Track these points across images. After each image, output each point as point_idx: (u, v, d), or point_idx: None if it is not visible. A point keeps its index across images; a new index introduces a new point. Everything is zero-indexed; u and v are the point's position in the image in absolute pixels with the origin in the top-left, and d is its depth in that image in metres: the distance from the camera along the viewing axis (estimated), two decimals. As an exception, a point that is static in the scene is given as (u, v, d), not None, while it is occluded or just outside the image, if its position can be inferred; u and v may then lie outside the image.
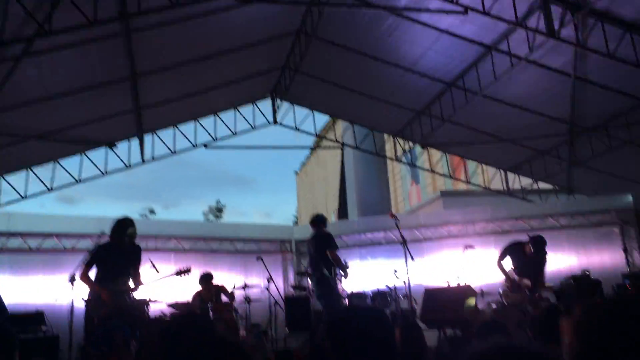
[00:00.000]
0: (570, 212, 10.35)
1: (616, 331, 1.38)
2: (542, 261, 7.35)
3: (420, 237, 10.52)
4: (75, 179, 10.55)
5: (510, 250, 7.46)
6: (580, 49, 7.53)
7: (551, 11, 7.17)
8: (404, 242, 6.60)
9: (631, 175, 10.23)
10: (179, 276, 5.97)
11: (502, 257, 7.41)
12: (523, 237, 7.53)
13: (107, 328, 3.16)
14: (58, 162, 10.33)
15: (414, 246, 8.94)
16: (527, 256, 7.26)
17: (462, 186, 15.54)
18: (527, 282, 7.09)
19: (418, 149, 12.60)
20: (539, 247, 7.14)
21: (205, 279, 8.28)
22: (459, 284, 8.06)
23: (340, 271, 7.05)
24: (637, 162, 9.83)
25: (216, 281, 8.43)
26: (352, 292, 8.24)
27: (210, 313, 7.48)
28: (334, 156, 26.59)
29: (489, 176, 13.07)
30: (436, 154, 13.20)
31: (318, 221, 7.41)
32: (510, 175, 12.65)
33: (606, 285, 8.32)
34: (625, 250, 7.35)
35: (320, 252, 7.05)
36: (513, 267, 7.33)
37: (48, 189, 10.32)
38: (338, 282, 6.92)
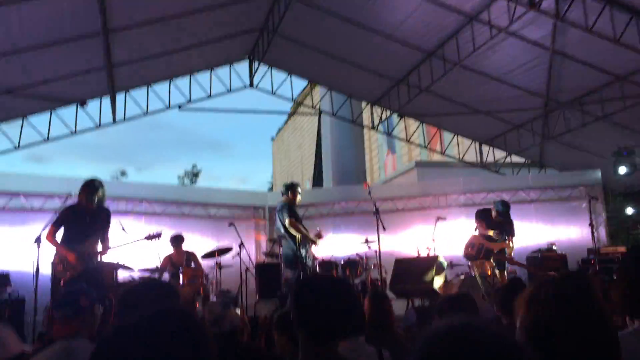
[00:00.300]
0: (540, 186, 10.50)
1: (560, 306, 1.39)
2: (510, 227, 7.52)
3: (393, 208, 10.56)
4: (43, 137, 10.26)
5: (478, 217, 7.64)
6: (560, 22, 7.49)
7: (532, -18, 7.10)
8: (376, 212, 6.61)
9: (601, 152, 10.38)
10: (148, 240, 5.88)
11: (480, 225, 7.60)
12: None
13: (71, 290, 3.08)
14: (26, 119, 10.02)
15: (387, 216, 8.98)
16: (494, 221, 7.46)
17: (437, 157, 15.61)
18: (497, 236, 7.37)
19: (395, 118, 12.56)
20: (504, 208, 7.47)
21: (176, 240, 8.20)
22: (428, 255, 8.15)
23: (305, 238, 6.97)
24: (608, 139, 9.96)
25: (188, 246, 8.38)
26: (322, 259, 8.27)
27: (181, 277, 7.44)
28: (311, 122, 26.44)
29: (464, 148, 13.14)
30: (413, 123, 13.19)
31: (284, 190, 7.36)
32: (485, 148, 12.74)
33: (572, 260, 8.52)
34: (591, 226, 7.50)
35: (281, 221, 7.05)
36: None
37: (15, 147, 10.04)
38: (304, 249, 6.86)
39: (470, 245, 7.52)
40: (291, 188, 7.24)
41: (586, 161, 10.85)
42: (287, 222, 6.91)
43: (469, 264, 8.26)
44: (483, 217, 7.72)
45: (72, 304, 2.83)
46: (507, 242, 7.43)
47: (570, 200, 10.11)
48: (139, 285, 2.64)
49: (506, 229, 7.57)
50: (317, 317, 1.89)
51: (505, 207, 7.59)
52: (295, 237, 6.86)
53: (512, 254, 7.57)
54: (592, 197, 8.09)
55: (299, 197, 7.25)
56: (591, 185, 10.14)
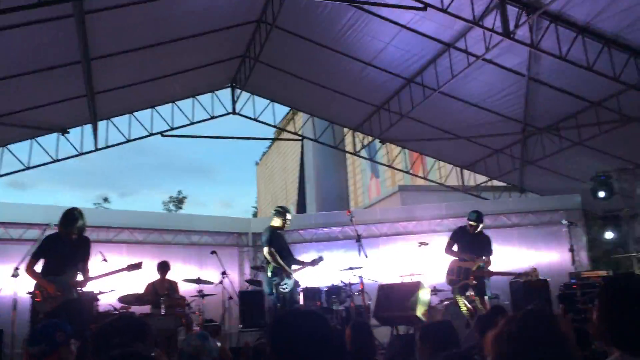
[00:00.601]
0: (521, 211, 10.61)
1: (522, 343, 1.41)
2: (485, 241, 7.53)
3: (376, 233, 10.59)
4: (24, 164, 10.17)
5: (454, 235, 7.65)
6: (535, 49, 7.69)
7: (507, 11, 7.30)
8: (358, 240, 6.63)
9: (580, 176, 10.56)
10: (129, 271, 5.81)
11: (449, 244, 7.59)
12: (490, 233, 7.96)
13: (45, 325, 3.04)
14: (6, 148, 9.94)
15: (370, 241, 9.01)
16: (470, 234, 7.53)
17: (420, 181, 15.74)
18: (469, 257, 7.36)
19: (377, 142, 12.68)
20: (475, 215, 7.54)
21: (163, 267, 8.16)
22: (411, 280, 8.16)
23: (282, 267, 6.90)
24: (586, 163, 10.14)
25: (171, 274, 8.29)
26: (306, 287, 8.23)
27: (162, 307, 7.35)
28: (295, 147, 26.53)
29: (446, 172, 13.27)
30: (395, 148, 13.32)
31: (273, 213, 7.34)
32: (467, 173, 12.88)
33: (554, 284, 8.59)
34: (571, 250, 7.58)
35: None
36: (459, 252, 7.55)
37: (-6, 174, 9.93)
38: (279, 277, 6.80)
39: (450, 272, 7.52)
40: (278, 214, 7.21)
41: (565, 185, 11.02)
42: (264, 250, 6.91)
43: (452, 289, 8.29)
44: (455, 237, 7.66)
45: (48, 339, 2.79)
46: (482, 258, 7.37)
47: (551, 225, 10.22)
48: (110, 323, 2.61)
49: (484, 243, 7.54)
50: (291, 355, 1.88)
51: (475, 214, 7.57)
52: (270, 264, 6.85)
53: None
54: (571, 222, 8.19)
55: (287, 224, 7.18)
56: (571, 209, 10.28)
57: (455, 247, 7.63)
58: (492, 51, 7.96)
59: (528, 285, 8.31)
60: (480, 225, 7.56)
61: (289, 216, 7.19)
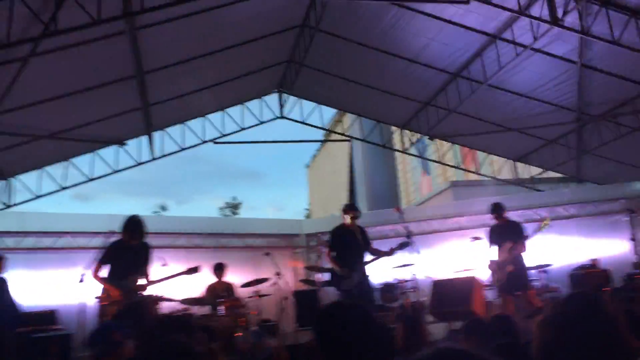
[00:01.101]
0: (579, 201, 10.28)
1: (563, 327, 1.40)
2: (512, 228, 7.35)
3: (428, 229, 10.51)
4: (87, 177, 10.70)
5: (488, 236, 7.49)
6: (585, 36, 7.47)
7: (555, -2, 7.12)
8: (408, 236, 6.62)
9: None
10: (188, 275, 6.04)
11: (490, 244, 7.44)
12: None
13: (103, 326, 3.22)
14: (70, 161, 10.48)
15: (423, 238, 8.95)
16: (499, 227, 7.39)
17: (472, 176, 15.50)
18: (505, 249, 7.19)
19: (427, 139, 12.57)
20: (492, 210, 7.46)
21: (219, 268, 8.43)
22: (466, 276, 8.07)
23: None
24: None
25: (227, 276, 8.54)
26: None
27: (220, 308, 7.57)
28: (343, 149, 26.60)
29: (499, 166, 13.02)
30: (445, 143, 13.18)
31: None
32: (520, 165, 12.60)
33: (617, 275, 8.30)
34: (633, 239, 7.29)
35: None
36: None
37: (61, 187, 10.48)
38: (338, 279, 6.82)
39: (492, 275, 7.38)
40: (342, 212, 7.15)
41: (625, 173, 10.62)
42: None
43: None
44: (489, 238, 7.50)
45: (106, 340, 2.96)
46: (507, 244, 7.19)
47: (611, 214, 9.87)
48: (157, 321, 2.74)
49: (512, 230, 7.34)
50: (335, 346, 1.92)
51: (491, 207, 7.51)
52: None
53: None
54: (633, 209, 7.87)
55: (348, 221, 7.00)
56: (632, 197, 9.88)
57: (494, 248, 7.46)
58: (540, 40, 7.79)
59: (588, 276, 8.07)
60: (503, 215, 7.42)
61: (350, 213, 7.03)
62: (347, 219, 6.99)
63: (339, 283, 6.78)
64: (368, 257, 6.85)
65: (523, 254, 7.17)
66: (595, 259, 8.79)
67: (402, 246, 6.73)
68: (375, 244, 9.77)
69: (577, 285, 8.47)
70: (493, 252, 7.37)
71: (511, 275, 7.00)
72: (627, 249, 8.43)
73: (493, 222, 7.46)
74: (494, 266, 7.27)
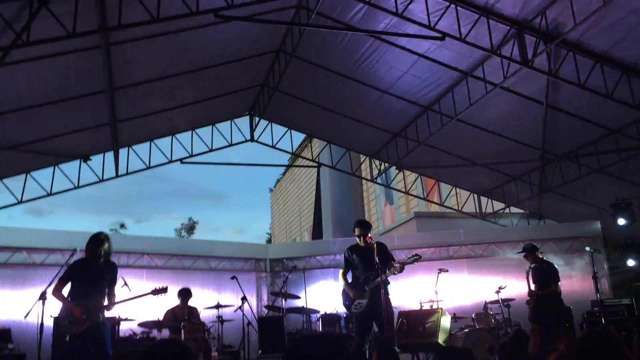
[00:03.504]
0: (541, 238, 10.51)
1: None
2: (545, 269, 7.44)
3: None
4: (46, 191, 10.35)
5: (528, 274, 7.56)
6: (553, 78, 7.75)
7: (525, 40, 7.38)
8: (378, 267, 6.47)
9: (599, 203, 10.50)
10: (154, 295, 5.84)
11: (528, 284, 7.47)
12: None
13: (73, 347, 3.08)
14: (30, 175, 10.14)
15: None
16: (534, 268, 7.45)
17: (435, 208, 15.70)
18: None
19: (393, 170, 12.72)
20: (528, 253, 7.46)
21: (184, 294, 8.18)
22: (431, 307, 8.11)
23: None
24: (606, 190, 10.09)
25: (190, 300, 8.32)
26: (325, 313, 8.21)
27: (182, 332, 7.37)
28: (309, 174, 26.65)
29: (462, 199, 13.24)
30: (411, 175, 13.35)
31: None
32: (484, 199, 12.85)
33: (576, 312, 8.47)
34: (594, 277, 7.49)
35: None
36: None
37: (18, 201, 10.11)
38: (350, 301, 6.58)
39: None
40: (354, 229, 6.63)
41: (584, 212, 10.94)
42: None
43: (473, 316, 8.22)
44: (528, 276, 7.52)
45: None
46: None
47: (571, 252, 10.13)
48: (157, 345, 2.65)
49: (545, 272, 7.41)
50: None
51: (526, 247, 7.56)
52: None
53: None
54: (595, 249, 8.09)
55: (360, 240, 6.46)
56: (591, 236, 10.18)
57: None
58: (510, 79, 8.04)
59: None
60: (536, 255, 7.48)
61: (356, 230, 6.52)
62: (356, 238, 6.54)
63: (349, 305, 6.50)
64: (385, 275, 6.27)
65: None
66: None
67: (413, 260, 6.45)
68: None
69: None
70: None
71: (547, 311, 7.10)
72: (586, 287, 8.66)
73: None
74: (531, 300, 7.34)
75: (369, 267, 6.35)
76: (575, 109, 8.72)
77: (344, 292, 6.47)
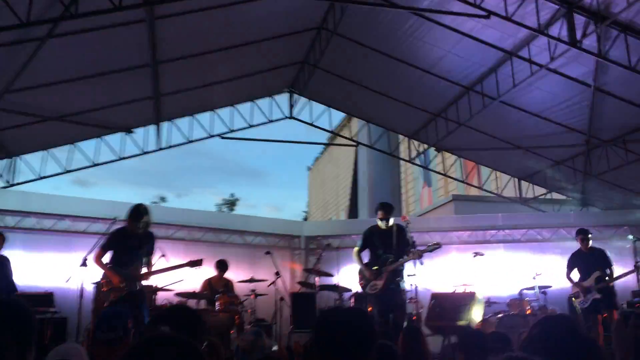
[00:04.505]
0: (583, 225, 10.23)
1: (539, 346, 1.46)
2: (602, 257, 7.42)
3: (429, 241, 10.45)
4: (91, 162, 10.67)
5: (571, 260, 7.48)
6: (602, 59, 7.46)
7: (574, 20, 7.11)
8: (413, 247, 6.53)
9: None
10: (190, 267, 6.00)
11: (569, 271, 7.43)
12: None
13: (119, 312, 3.18)
14: (75, 145, 10.46)
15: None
16: (583, 253, 7.44)
17: (474, 191, 15.47)
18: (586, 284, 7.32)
19: (432, 151, 12.57)
20: (584, 235, 7.50)
21: (222, 265, 8.39)
22: (465, 291, 8.05)
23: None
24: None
25: (225, 272, 8.50)
26: (357, 292, 8.25)
27: (217, 303, 7.54)
28: (347, 154, 26.59)
29: (502, 183, 12.99)
30: (450, 157, 13.15)
31: None
32: (524, 184, 12.57)
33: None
34: (637, 267, 7.28)
35: None
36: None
37: (64, 170, 10.46)
38: (366, 280, 6.76)
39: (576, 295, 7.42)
40: (375, 210, 6.88)
41: (630, 200, 10.59)
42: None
43: (508, 302, 8.13)
44: (574, 260, 7.53)
45: (123, 326, 2.92)
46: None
47: (614, 240, 9.83)
48: (168, 310, 2.72)
49: (599, 258, 7.39)
50: (332, 350, 1.97)
51: (578, 233, 7.53)
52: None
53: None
54: (638, 238, 7.85)
55: (379, 222, 6.73)
56: (635, 225, 9.85)
57: (574, 273, 7.59)
58: (556, 60, 7.77)
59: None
60: (590, 241, 7.49)
61: (379, 212, 6.73)
62: (378, 220, 6.75)
63: (365, 285, 6.68)
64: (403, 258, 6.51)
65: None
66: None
67: (431, 248, 6.57)
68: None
69: (574, 309, 8.44)
70: (570, 279, 7.48)
71: (597, 298, 7.17)
72: (629, 277, 8.39)
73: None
74: (582, 290, 7.32)
75: (388, 249, 6.53)
76: (624, 92, 8.39)
77: (360, 272, 6.64)
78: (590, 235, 7.60)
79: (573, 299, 7.44)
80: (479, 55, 8.75)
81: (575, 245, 7.95)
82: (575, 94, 8.83)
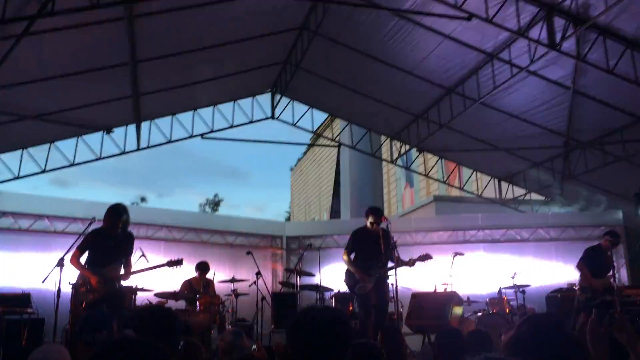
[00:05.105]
0: (560, 225, 10.41)
1: (520, 347, 1.46)
2: (612, 261, 7.52)
3: (410, 241, 10.54)
4: (69, 161, 10.52)
5: (592, 254, 7.50)
6: (581, 62, 7.56)
7: (554, 23, 7.19)
8: (394, 247, 6.58)
9: (622, 192, 10.30)
10: (170, 267, 5.95)
11: (585, 262, 7.44)
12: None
13: (104, 313, 3.13)
14: (53, 144, 10.30)
15: (404, 250, 8.94)
16: (604, 253, 7.43)
17: (455, 192, 15.58)
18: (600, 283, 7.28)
19: (414, 152, 12.63)
20: (615, 240, 7.45)
21: (202, 267, 8.32)
22: (445, 290, 8.10)
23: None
24: (629, 179, 9.87)
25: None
26: (338, 291, 8.26)
27: (197, 304, 7.49)
28: (330, 155, 26.62)
29: (483, 184, 13.11)
30: (432, 158, 13.24)
31: None
32: (504, 185, 12.70)
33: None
34: (613, 267, 7.41)
35: None
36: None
37: (42, 170, 10.29)
38: (353, 282, 6.81)
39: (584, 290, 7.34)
40: (365, 214, 6.99)
41: (607, 201, 10.76)
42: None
43: (487, 301, 8.20)
44: (592, 256, 7.49)
45: (109, 327, 2.87)
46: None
47: (591, 240, 9.97)
48: (144, 310, 2.69)
49: (610, 264, 7.47)
50: (307, 350, 1.98)
51: (611, 235, 7.51)
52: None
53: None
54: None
55: (369, 226, 6.83)
56: (612, 225, 10.02)
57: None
58: (536, 63, 7.85)
59: (565, 300, 8.15)
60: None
61: (369, 217, 6.84)
62: (368, 223, 6.85)
63: (354, 286, 6.75)
64: (389, 264, 6.68)
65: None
66: (572, 282, 8.87)
67: (423, 258, 6.74)
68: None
69: (552, 308, 8.55)
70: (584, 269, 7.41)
71: (605, 302, 7.09)
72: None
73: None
74: (599, 286, 7.28)
75: (376, 252, 6.63)
76: (602, 95, 8.51)
77: (348, 272, 6.73)
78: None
79: (579, 292, 7.38)
80: (460, 57, 8.81)
81: (553, 246, 8.03)
82: (554, 96, 8.94)
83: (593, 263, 7.39)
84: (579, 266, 7.44)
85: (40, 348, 2.55)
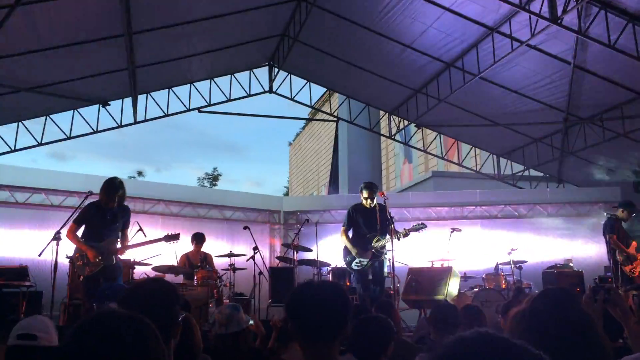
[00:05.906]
0: (558, 201, 10.40)
1: (532, 321, 1.41)
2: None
3: (408, 217, 10.55)
4: (65, 134, 10.44)
5: (616, 225, 7.53)
6: (582, 37, 7.46)
7: (556, -4, 7.07)
8: (391, 222, 6.58)
9: (621, 168, 10.27)
10: (167, 242, 5.94)
11: (611, 231, 7.44)
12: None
13: (115, 285, 3.12)
14: (49, 117, 10.21)
15: (401, 225, 8.96)
16: (621, 225, 7.49)
17: (454, 168, 15.56)
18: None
19: (412, 127, 12.56)
20: (633, 209, 7.50)
21: (199, 238, 8.32)
22: (442, 265, 8.12)
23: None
24: (629, 156, 9.85)
25: (204, 247, 8.45)
26: (336, 267, 8.29)
27: (195, 278, 7.51)
28: (329, 130, 26.52)
29: (481, 160, 13.08)
30: (431, 134, 13.17)
31: None
32: (503, 161, 12.67)
33: (589, 277, 8.43)
34: (608, 243, 7.43)
35: None
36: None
37: (38, 143, 10.22)
38: (351, 258, 6.84)
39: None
40: (359, 189, 6.98)
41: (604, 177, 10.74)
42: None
43: (484, 276, 8.24)
44: (613, 226, 7.50)
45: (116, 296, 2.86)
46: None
47: (589, 217, 10.00)
48: (143, 282, 2.68)
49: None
50: (300, 317, 1.98)
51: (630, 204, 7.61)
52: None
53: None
54: (612, 214, 7.99)
55: (364, 201, 6.86)
56: (610, 201, 10.01)
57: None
58: (537, 37, 7.74)
59: (561, 276, 8.19)
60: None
61: (365, 192, 6.86)
62: (362, 199, 6.87)
63: (350, 262, 6.80)
64: (386, 238, 6.67)
65: None
66: (569, 259, 8.92)
67: (417, 228, 6.72)
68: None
69: (548, 284, 8.60)
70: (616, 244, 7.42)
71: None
72: (602, 252, 8.56)
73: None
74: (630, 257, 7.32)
75: (372, 228, 6.72)
76: (603, 70, 8.43)
77: (345, 249, 6.76)
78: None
79: (623, 266, 7.36)
80: (460, 31, 8.69)
81: (551, 222, 8.02)
82: (554, 71, 8.85)
83: (618, 234, 7.45)
84: (612, 239, 7.43)
85: (22, 321, 2.56)
